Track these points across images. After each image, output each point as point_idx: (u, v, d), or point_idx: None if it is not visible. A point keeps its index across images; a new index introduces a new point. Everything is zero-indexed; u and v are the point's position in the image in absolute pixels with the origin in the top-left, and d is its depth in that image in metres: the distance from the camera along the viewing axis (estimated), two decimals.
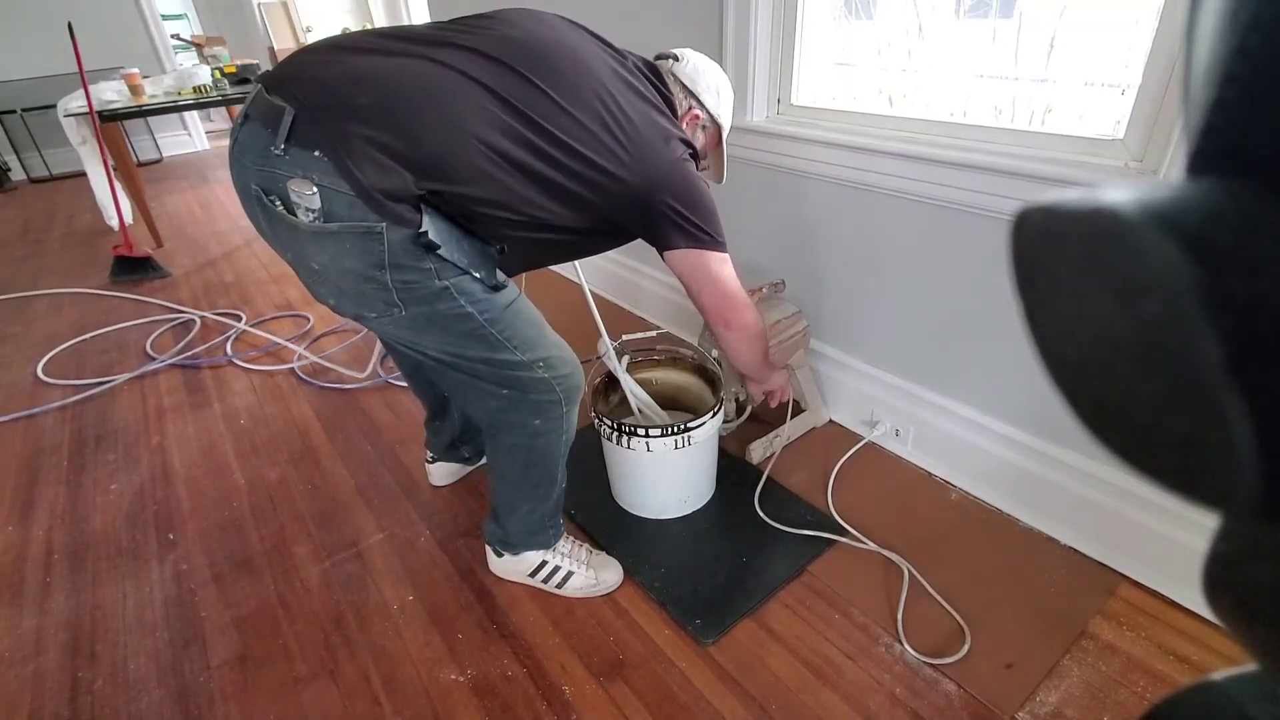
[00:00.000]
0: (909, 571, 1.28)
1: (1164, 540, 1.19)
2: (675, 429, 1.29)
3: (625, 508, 1.47)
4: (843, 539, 1.37)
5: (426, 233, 0.87)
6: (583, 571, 1.28)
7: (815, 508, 1.45)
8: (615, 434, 1.32)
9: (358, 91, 0.85)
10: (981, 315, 1.35)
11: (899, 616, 1.21)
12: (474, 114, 0.88)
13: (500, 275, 1.00)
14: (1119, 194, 0.17)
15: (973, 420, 1.43)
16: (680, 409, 1.57)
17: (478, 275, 0.95)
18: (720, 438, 1.52)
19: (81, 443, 1.84)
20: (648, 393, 1.48)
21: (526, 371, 1.05)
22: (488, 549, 1.32)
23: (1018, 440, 1.36)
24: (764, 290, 1.58)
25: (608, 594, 1.29)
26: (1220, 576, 0.24)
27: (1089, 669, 1.10)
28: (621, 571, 1.32)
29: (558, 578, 1.28)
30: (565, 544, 1.31)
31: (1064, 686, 1.08)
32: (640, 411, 1.46)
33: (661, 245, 1.08)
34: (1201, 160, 0.18)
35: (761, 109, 1.63)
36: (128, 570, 1.41)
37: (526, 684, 1.14)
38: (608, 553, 1.35)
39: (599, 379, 1.46)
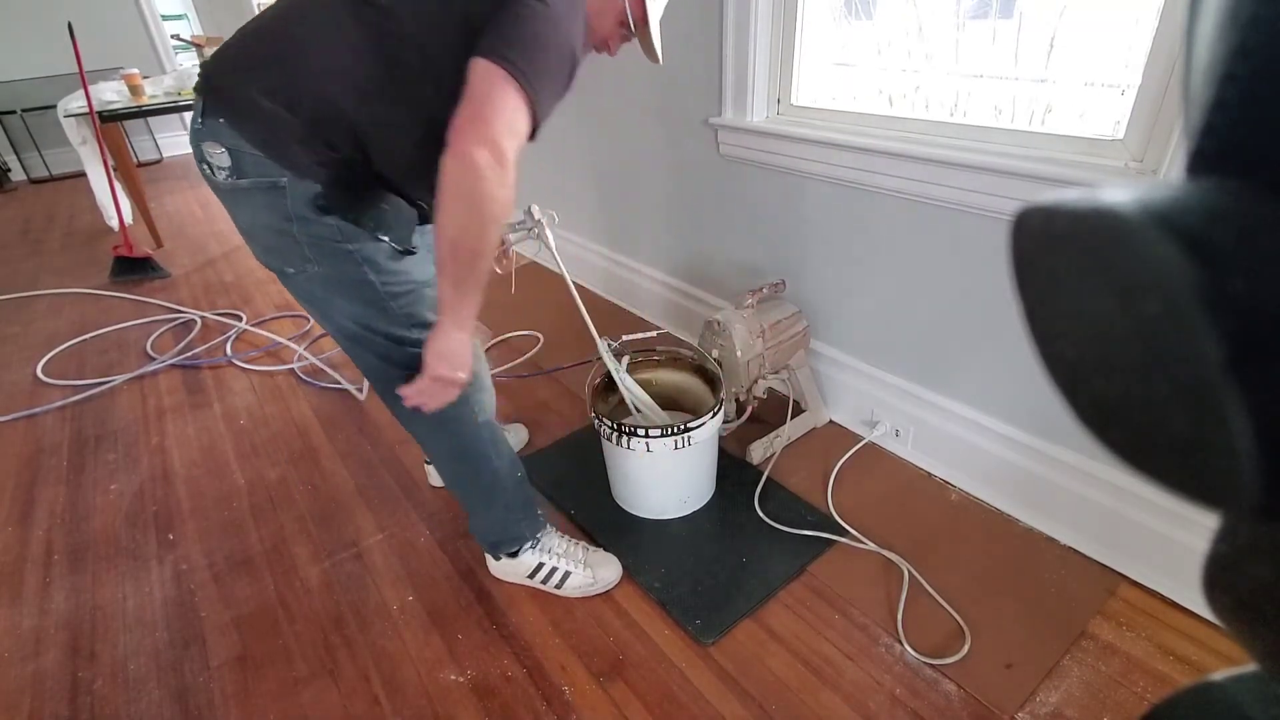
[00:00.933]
0: (909, 571, 1.28)
1: (1164, 540, 1.19)
2: (675, 429, 1.29)
3: (625, 508, 1.47)
4: (843, 539, 1.37)
5: (321, 193, 0.90)
6: (580, 571, 1.28)
7: (815, 508, 1.45)
8: (615, 434, 1.32)
9: (252, 47, 0.90)
10: (982, 315, 1.35)
11: (899, 616, 1.21)
12: (329, 27, 0.88)
13: (417, 240, 0.99)
14: (1119, 194, 0.17)
15: (973, 420, 1.43)
16: (680, 409, 1.57)
17: (385, 238, 0.95)
18: (720, 438, 1.52)
19: (81, 443, 1.84)
20: (648, 393, 1.48)
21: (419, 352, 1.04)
22: (486, 556, 1.33)
23: (1018, 440, 1.36)
24: (764, 290, 1.58)
25: (607, 591, 1.29)
26: (1220, 576, 0.24)
27: (1089, 669, 1.10)
28: (620, 568, 1.32)
29: (556, 578, 1.28)
30: (561, 544, 1.31)
31: (1064, 686, 1.08)
32: (637, 410, 1.46)
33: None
34: (1201, 160, 0.18)
35: (761, 109, 1.63)
36: (128, 570, 1.41)
37: (526, 684, 1.14)
38: (605, 550, 1.35)
39: (599, 379, 1.46)
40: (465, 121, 0.82)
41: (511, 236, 1.28)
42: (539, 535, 1.29)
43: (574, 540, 1.34)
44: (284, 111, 0.86)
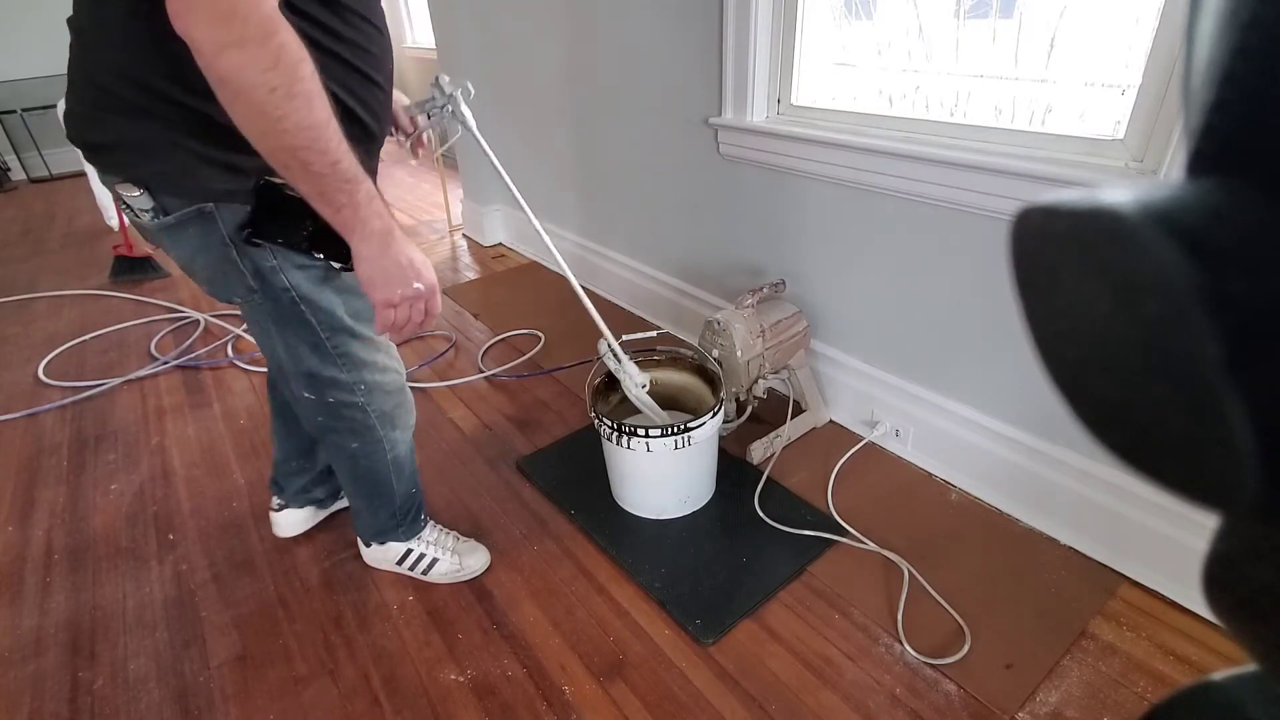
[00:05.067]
0: (909, 571, 1.28)
1: (1164, 540, 1.19)
2: (675, 429, 1.29)
3: (625, 508, 1.47)
4: (843, 539, 1.37)
5: (247, 217, 0.84)
6: (447, 558, 1.31)
7: (815, 508, 1.45)
8: (615, 434, 1.32)
9: (70, 77, 0.80)
10: (981, 315, 1.35)
11: (899, 616, 1.21)
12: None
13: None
14: (1119, 194, 0.17)
15: (973, 420, 1.43)
16: (680, 409, 1.57)
17: (320, 255, 0.88)
18: (720, 438, 1.52)
19: (82, 443, 1.84)
20: (648, 393, 1.47)
21: (347, 394, 1.05)
22: (359, 540, 1.35)
23: (1018, 440, 1.36)
24: (764, 290, 1.58)
25: (473, 579, 1.33)
26: (1220, 576, 0.24)
27: (1089, 669, 1.10)
28: (488, 556, 1.36)
29: (423, 564, 1.31)
30: (432, 533, 1.34)
31: (1064, 686, 1.08)
32: (632, 389, 1.43)
33: None
34: (1201, 160, 0.18)
35: (761, 109, 1.63)
36: (128, 570, 1.41)
37: (526, 684, 1.14)
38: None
39: (599, 379, 1.46)
40: None
41: (421, 119, 1.12)
42: (411, 540, 1.32)
43: (445, 530, 1.37)
44: (174, 132, 0.78)
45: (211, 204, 0.83)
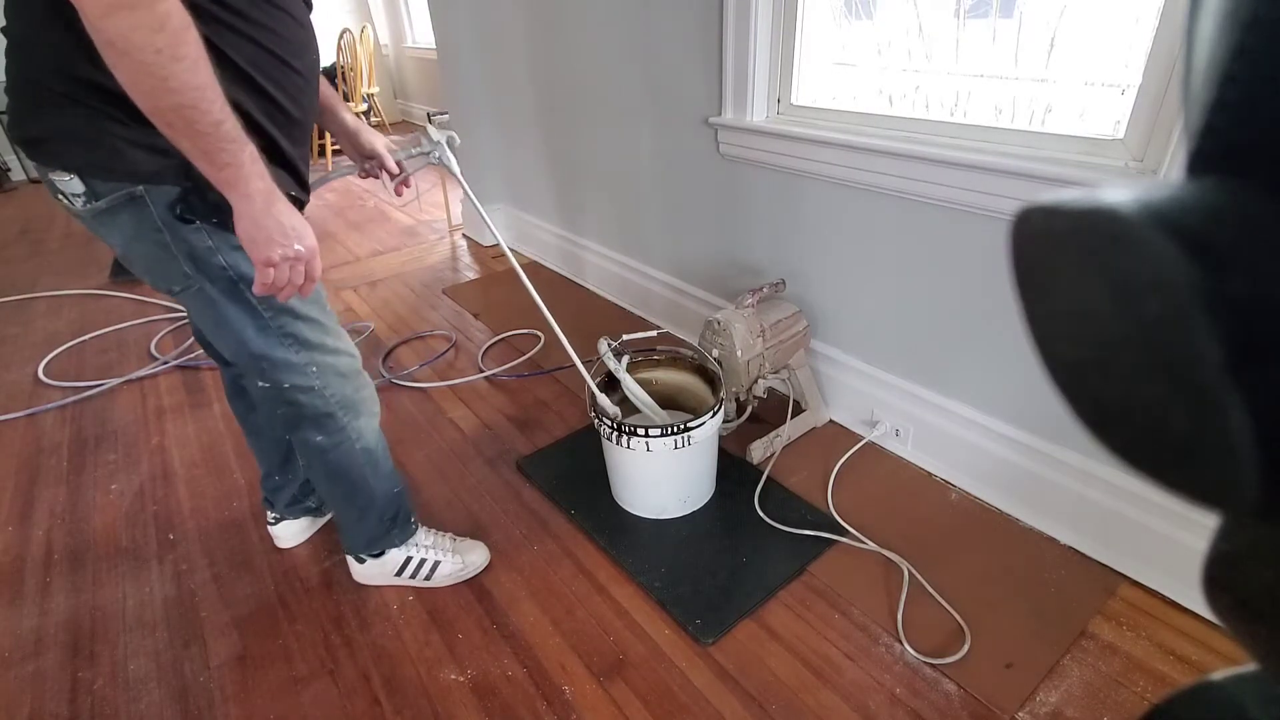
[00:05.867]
0: (909, 571, 1.28)
1: (1164, 540, 1.19)
2: (675, 429, 1.29)
3: (625, 508, 1.47)
4: (843, 539, 1.37)
5: (178, 196, 0.86)
6: (449, 559, 1.30)
7: (815, 508, 1.45)
8: (615, 434, 1.32)
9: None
10: (982, 315, 1.35)
11: (899, 616, 1.21)
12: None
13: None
14: (1119, 194, 0.17)
15: (973, 420, 1.43)
16: (680, 409, 1.57)
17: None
18: (720, 438, 1.52)
19: (81, 443, 1.84)
20: (648, 393, 1.48)
21: (300, 377, 1.04)
22: (349, 560, 1.31)
23: (1018, 440, 1.36)
24: (764, 290, 1.58)
25: (473, 578, 1.32)
26: (1220, 576, 0.24)
27: (1089, 669, 1.10)
28: (487, 551, 1.35)
29: (425, 570, 1.29)
30: (427, 537, 1.32)
31: (1064, 686, 1.08)
32: (631, 390, 1.44)
33: None
34: (1201, 160, 0.18)
35: (761, 109, 1.63)
36: (128, 570, 1.41)
37: (526, 684, 1.14)
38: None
39: (598, 379, 1.46)
40: None
41: (409, 162, 1.18)
42: (407, 541, 1.30)
43: (440, 532, 1.35)
44: (100, 113, 0.80)
45: (141, 186, 0.85)
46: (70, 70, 0.79)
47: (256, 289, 0.88)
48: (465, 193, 1.24)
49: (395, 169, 1.17)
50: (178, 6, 0.70)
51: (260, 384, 1.05)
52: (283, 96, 0.91)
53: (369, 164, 1.18)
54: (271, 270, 0.86)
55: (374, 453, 1.18)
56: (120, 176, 0.85)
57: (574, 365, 1.36)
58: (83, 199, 0.86)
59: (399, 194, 1.22)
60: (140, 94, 0.73)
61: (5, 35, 0.83)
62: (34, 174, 4.83)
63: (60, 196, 0.88)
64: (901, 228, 1.42)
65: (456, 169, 1.19)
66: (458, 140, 1.20)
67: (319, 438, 1.11)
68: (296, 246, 0.85)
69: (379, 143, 1.17)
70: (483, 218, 1.27)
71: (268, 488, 1.39)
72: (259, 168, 0.81)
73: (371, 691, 1.14)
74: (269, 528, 1.44)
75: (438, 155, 1.16)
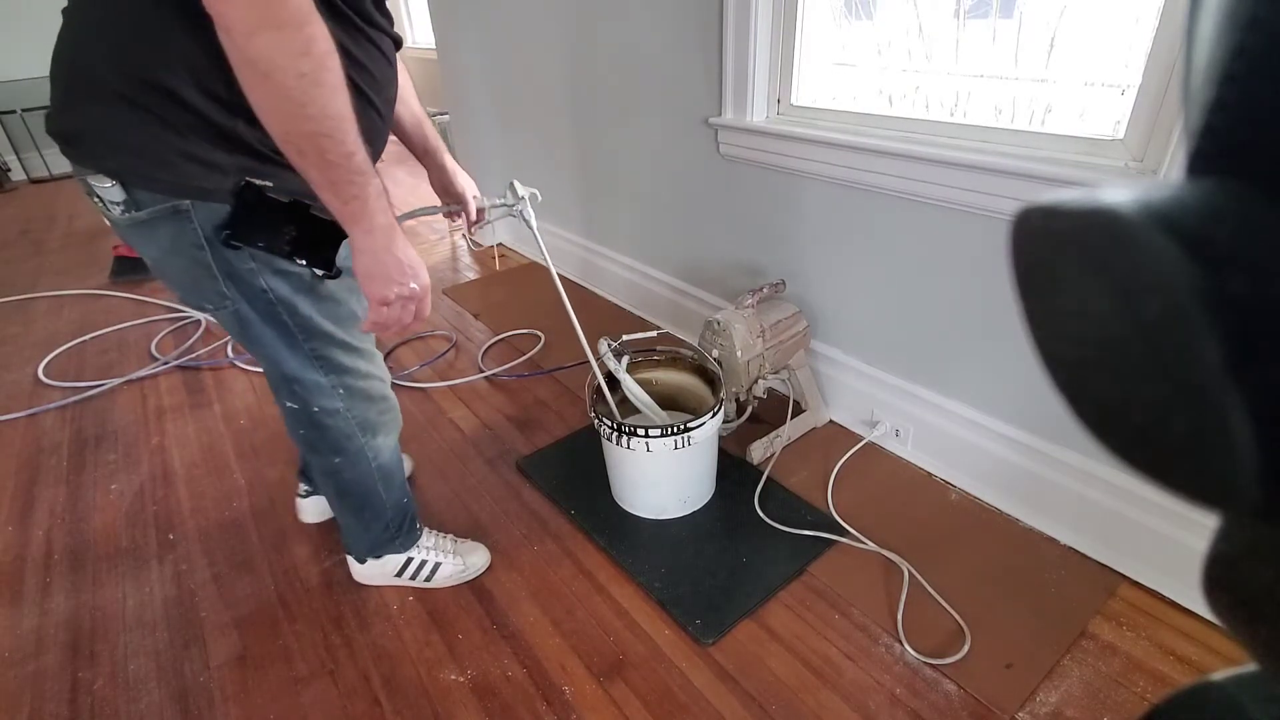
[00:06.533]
0: (909, 571, 1.28)
1: (1164, 540, 1.19)
2: (675, 429, 1.29)
3: (625, 508, 1.47)
4: (843, 539, 1.37)
5: (226, 219, 0.82)
6: (450, 560, 1.30)
7: (815, 508, 1.45)
8: (615, 434, 1.32)
9: (53, 71, 0.78)
10: (982, 315, 1.35)
11: (899, 616, 1.21)
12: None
13: (340, 259, 0.90)
14: (1119, 194, 0.17)
15: (973, 420, 1.43)
16: (680, 409, 1.57)
17: (302, 261, 0.87)
18: (720, 438, 1.52)
19: (81, 443, 1.84)
20: (648, 393, 1.48)
21: (328, 399, 1.03)
22: (349, 560, 1.31)
23: (1018, 440, 1.36)
24: (764, 290, 1.58)
25: (474, 578, 1.32)
26: (1220, 576, 0.24)
27: (1089, 669, 1.10)
28: (488, 553, 1.35)
29: (425, 571, 1.29)
30: (429, 539, 1.32)
31: (1064, 686, 1.08)
32: (631, 390, 1.44)
33: None
34: (1201, 160, 0.18)
35: (761, 109, 1.63)
36: (128, 570, 1.41)
37: (526, 684, 1.14)
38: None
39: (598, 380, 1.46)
40: None
41: (491, 211, 1.24)
42: (415, 543, 1.30)
43: (440, 533, 1.35)
44: (110, 106, 0.75)
45: (188, 201, 0.81)
46: (145, 68, 0.74)
47: (365, 327, 0.86)
48: (539, 248, 1.27)
49: (474, 215, 1.21)
50: (324, 31, 0.68)
51: (289, 404, 1.04)
52: (360, 135, 0.89)
53: (453, 206, 1.20)
54: (385, 309, 0.83)
55: (388, 468, 1.18)
56: (166, 189, 0.80)
57: (574, 365, 1.36)
58: (121, 207, 0.81)
59: (470, 232, 1.27)
60: (275, 118, 0.70)
61: (67, 13, 0.77)
62: (34, 174, 4.84)
63: (96, 200, 0.83)
64: (901, 228, 1.42)
65: (535, 225, 1.24)
66: (539, 198, 1.24)
67: (336, 460, 1.11)
68: (412, 285, 0.83)
69: (469, 190, 1.19)
70: (547, 263, 1.30)
71: (308, 463, 1.39)
72: (383, 203, 0.79)
73: (371, 692, 1.14)
74: (297, 500, 1.46)
75: (519, 209, 1.22)
